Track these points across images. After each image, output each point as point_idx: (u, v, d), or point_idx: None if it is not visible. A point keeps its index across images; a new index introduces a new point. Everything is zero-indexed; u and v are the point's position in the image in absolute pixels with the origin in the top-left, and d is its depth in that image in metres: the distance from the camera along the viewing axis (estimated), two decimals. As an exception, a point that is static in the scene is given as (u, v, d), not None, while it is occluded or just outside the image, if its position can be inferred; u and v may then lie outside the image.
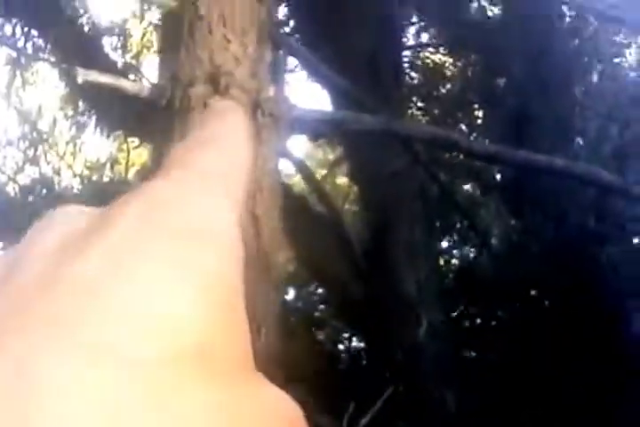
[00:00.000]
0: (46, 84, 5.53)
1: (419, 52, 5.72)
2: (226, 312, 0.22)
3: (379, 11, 4.00)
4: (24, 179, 5.36)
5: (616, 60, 5.02)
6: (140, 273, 0.22)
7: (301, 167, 3.98)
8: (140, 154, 5.80)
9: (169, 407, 0.19)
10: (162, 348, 0.20)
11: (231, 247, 0.24)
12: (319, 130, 2.85)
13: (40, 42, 4.15)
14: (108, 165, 5.94)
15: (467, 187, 5.52)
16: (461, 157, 4.29)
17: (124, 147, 5.89)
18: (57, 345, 0.20)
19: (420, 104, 5.50)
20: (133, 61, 5.51)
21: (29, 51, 4.18)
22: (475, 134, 5.15)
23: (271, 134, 1.28)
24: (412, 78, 5.47)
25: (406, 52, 5.37)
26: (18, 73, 5.11)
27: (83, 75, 1.36)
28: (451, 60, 5.68)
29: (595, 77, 4.85)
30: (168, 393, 0.20)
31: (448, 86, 5.63)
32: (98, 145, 6.17)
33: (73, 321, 0.20)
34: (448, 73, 5.65)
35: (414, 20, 5.51)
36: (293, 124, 1.42)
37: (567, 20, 4.80)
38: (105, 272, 0.22)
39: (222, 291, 0.22)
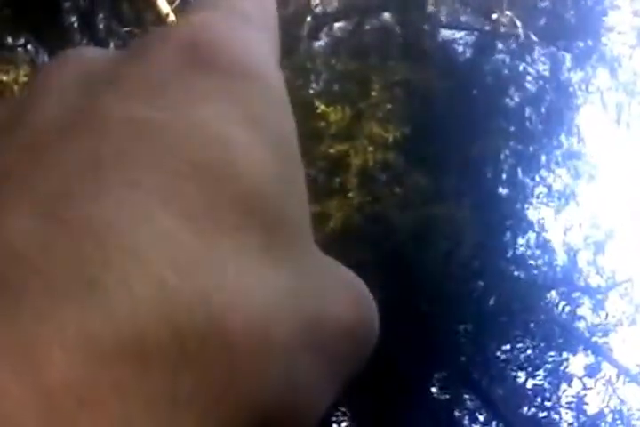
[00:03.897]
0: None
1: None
2: (281, 157, 0.18)
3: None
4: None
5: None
6: (192, 110, 0.17)
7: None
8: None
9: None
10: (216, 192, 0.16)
11: (282, 90, 0.20)
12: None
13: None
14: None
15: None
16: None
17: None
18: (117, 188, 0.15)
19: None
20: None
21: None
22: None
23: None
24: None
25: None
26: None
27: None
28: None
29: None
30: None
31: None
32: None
33: (123, 165, 0.16)
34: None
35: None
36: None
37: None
38: (152, 106, 0.17)
39: (278, 134, 0.18)
